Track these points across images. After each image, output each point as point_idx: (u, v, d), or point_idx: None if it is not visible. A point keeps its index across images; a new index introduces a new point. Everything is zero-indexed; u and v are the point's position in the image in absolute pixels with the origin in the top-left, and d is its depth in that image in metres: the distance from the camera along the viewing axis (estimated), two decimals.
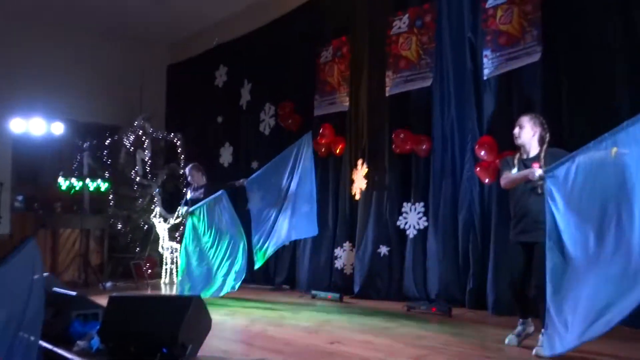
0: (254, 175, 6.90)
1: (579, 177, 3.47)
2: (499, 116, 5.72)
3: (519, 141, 4.07)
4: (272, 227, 6.57)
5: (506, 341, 4.06)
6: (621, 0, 4.96)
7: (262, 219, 6.63)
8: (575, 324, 3.33)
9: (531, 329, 4.06)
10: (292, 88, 8.23)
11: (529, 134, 4.03)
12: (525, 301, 4.11)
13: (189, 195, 7.26)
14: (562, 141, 5.00)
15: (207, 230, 6.77)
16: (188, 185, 7.70)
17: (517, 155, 4.12)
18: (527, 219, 3.96)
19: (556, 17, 5.37)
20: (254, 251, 6.61)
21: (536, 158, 3.98)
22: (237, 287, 6.48)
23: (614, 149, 3.20)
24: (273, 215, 6.58)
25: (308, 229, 6.52)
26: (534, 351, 3.77)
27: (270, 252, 6.70)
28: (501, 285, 5.39)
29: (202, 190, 7.07)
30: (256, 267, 6.70)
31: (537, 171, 3.82)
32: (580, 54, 5.21)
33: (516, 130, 4.09)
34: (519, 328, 4.08)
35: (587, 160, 3.44)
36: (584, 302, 3.32)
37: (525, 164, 4.02)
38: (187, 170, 7.41)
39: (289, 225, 6.50)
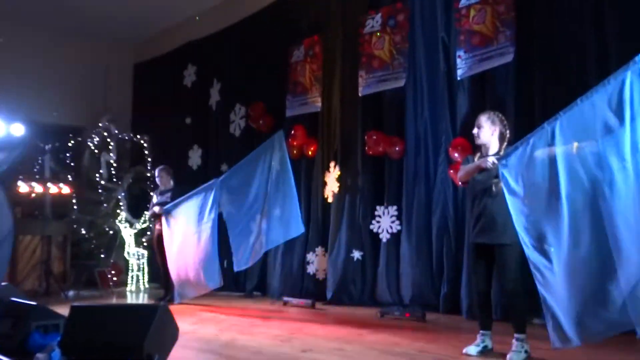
0: (222, 177, 6.82)
1: (537, 168, 3.50)
2: (473, 117, 5.70)
3: (479, 141, 4.11)
4: (248, 233, 6.44)
5: (464, 350, 4.06)
6: (593, 1, 5.06)
7: (235, 224, 6.53)
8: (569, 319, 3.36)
9: (490, 343, 4.07)
10: (263, 88, 8.19)
11: (487, 133, 4.05)
12: (489, 311, 4.15)
13: (155, 199, 7.19)
14: None
15: (181, 228, 6.69)
16: (155, 188, 7.60)
17: (478, 154, 4.16)
18: (484, 219, 3.98)
19: (529, 18, 5.45)
20: (234, 256, 6.50)
21: (495, 155, 3.98)
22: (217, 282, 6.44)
23: (575, 144, 3.27)
24: (246, 220, 6.47)
25: (290, 230, 6.25)
26: (507, 357, 3.80)
27: (252, 262, 6.61)
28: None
29: (169, 194, 7.01)
30: (236, 269, 6.59)
31: (490, 158, 3.86)
32: (553, 54, 5.30)
33: (475, 131, 4.12)
34: (479, 339, 4.07)
35: (543, 154, 3.50)
36: (566, 300, 3.37)
37: None
38: (156, 172, 7.34)
39: (267, 233, 6.36)
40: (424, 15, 6.36)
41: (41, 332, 4.04)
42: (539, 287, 3.48)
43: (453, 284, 5.81)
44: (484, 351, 4.04)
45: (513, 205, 3.60)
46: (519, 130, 5.40)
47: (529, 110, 5.39)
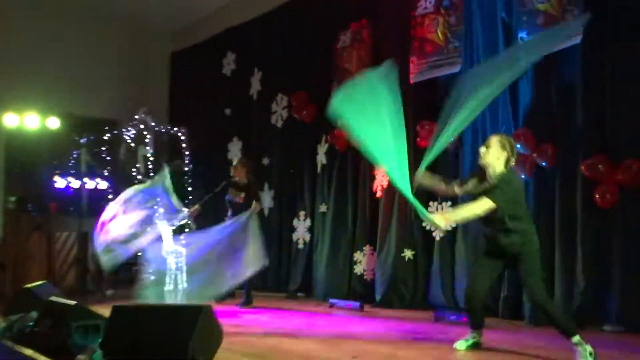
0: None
1: None
2: (537, 106, 5.68)
3: (482, 161, 4.29)
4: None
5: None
6: None
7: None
8: None
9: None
10: (307, 76, 8.21)
11: (494, 156, 4.22)
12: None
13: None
14: (603, 131, 5.23)
15: None
16: (194, 183, 7.71)
17: (474, 180, 4.37)
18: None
19: None
20: None
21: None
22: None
23: None
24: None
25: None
26: None
27: None
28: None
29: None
30: None
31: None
32: (625, 35, 5.19)
33: (482, 150, 4.31)
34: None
35: None
36: None
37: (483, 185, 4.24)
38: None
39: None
40: None
41: (81, 332, 4.17)
42: None
43: (514, 287, 5.73)
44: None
45: None
46: (587, 120, 5.31)
47: (598, 97, 5.32)
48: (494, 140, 4.27)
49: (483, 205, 4.06)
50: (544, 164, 5.59)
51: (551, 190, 5.60)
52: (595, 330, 4.92)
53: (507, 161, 4.22)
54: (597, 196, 5.21)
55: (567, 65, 5.49)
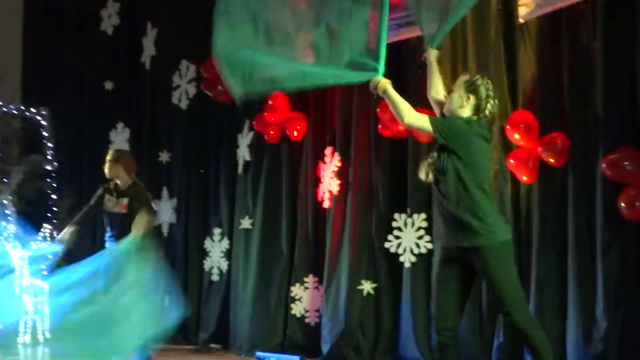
0: None
1: None
2: (543, 79, 5.79)
3: (445, 109, 4.26)
4: None
5: None
6: None
7: None
8: None
9: None
10: None
11: (457, 102, 4.15)
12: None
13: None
14: (633, 114, 5.37)
15: None
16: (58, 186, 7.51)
17: None
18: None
19: None
20: None
21: None
22: None
23: None
24: None
25: None
26: None
27: None
28: (547, 332, 5.48)
29: (125, 200, 6.83)
30: None
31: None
32: None
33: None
34: None
35: None
36: None
37: None
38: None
39: None
40: None
41: None
42: None
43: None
44: None
45: None
46: (611, 100, 5.42)
47: (627, 69, 5.39)
48: (460, 81, 4.20)
49: (418, 119, 4.13)
50: (551, 160, 5.69)
51: (561, 197, 5.71)
52: None
53: (477, 110, 4.12)
54: (622, 204, 5.30)
55: (584, 23, 5.60)
